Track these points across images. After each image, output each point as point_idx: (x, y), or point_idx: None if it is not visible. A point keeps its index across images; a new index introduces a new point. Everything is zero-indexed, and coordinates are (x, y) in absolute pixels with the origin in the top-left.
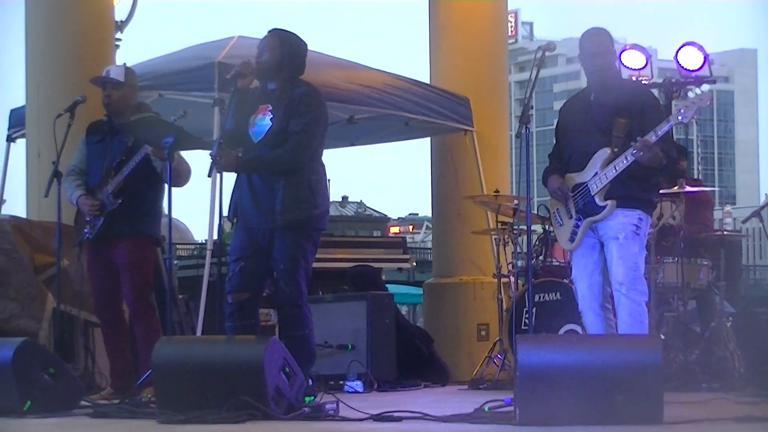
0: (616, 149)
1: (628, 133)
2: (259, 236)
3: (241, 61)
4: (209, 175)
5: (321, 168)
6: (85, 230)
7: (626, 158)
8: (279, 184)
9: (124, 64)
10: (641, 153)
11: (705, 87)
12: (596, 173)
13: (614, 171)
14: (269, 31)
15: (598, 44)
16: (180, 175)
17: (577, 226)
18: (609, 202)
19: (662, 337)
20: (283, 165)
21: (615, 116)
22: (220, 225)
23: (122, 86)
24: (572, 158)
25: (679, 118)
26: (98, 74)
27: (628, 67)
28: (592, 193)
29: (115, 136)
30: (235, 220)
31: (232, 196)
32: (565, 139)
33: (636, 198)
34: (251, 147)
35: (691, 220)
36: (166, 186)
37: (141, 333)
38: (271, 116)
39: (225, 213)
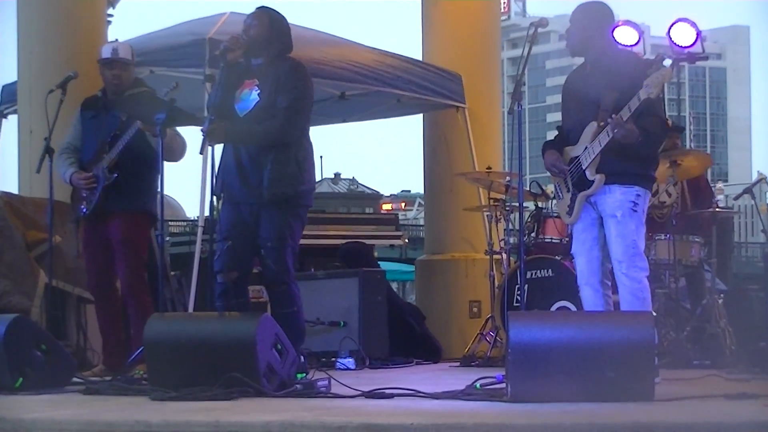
0: (602, 123)
1: (617, 107)
2: (246, 213)
3: (229, 36)
4: (201, 152)
5: (308, 144)
6: (82, 206)
7: (608, 133)
8: (267, 159)
9: (116, 40)
10: (615, 129)
11: (667, 62)
12: (586, 147)
13: (599, 145)
14: (257, 8)
15: (572, 17)
16: (174, 151)
17: (573, 200)
18: (598, 176)
19: (654, 314)
20: (272, 138)
21: (605, 89)
22: (212, 202)
23: (129, 65)
24: (571, 131)
25: (645, 93)
26: (91, 50)
27: (620, 44)
28: (583, 167)
29: (110, 112)
30: (222, 195)
31: (218, 172)
32: (566, 112)
33: (633, 174)
34: (237, 122)
35: (694, 201)
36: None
37: (133, 310)
38: (258, 91)
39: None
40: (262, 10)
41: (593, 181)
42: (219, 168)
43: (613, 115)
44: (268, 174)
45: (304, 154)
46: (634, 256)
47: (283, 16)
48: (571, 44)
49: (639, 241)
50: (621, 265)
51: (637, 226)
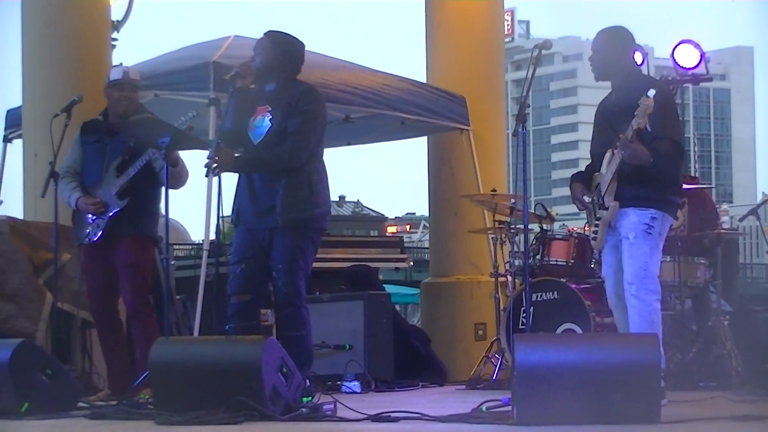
0: (615, 150)
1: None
2: (260, 237)
3: (240, 62)
4: (207, 176)
5: (321, 168)
6: (87, 231)
7: (617, 156)
8: (279, 185)
9: (121, 64)
10: (622, 151)
11: (651, 92)
12: (604, 174)
13: (610, 174)
14: (264, 33)
15: (594, 44)
16: (180, 178)
17: (597, 226)
18: (612, 203)
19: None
20: (282, 163)
21: (624, 115)
22: (217, 225)
23: (138, 88)
24: (597, 158)
25: (636, 124)
26: (95, 75)
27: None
28: (602, 194)
29: (114, 137)
30: (238, 222)
31: (234, 199)
32: (593, 138)
33: (647, 198)
34: (251, 149)
35: (696, 221)
36: (162, 187)
37: (138, 333)
38: (270, 117)
39: (226, 214)
40: (267, 35)
41: (607, 207)
42: (235, 195)
43: (621, 136)
44: (280, 199)
45: (317, 177)
46: (645, 279)
47: (290, 38)
48: (595, 70)
49: (651, 264)
50: (631, 287)
51: (651, 248)
